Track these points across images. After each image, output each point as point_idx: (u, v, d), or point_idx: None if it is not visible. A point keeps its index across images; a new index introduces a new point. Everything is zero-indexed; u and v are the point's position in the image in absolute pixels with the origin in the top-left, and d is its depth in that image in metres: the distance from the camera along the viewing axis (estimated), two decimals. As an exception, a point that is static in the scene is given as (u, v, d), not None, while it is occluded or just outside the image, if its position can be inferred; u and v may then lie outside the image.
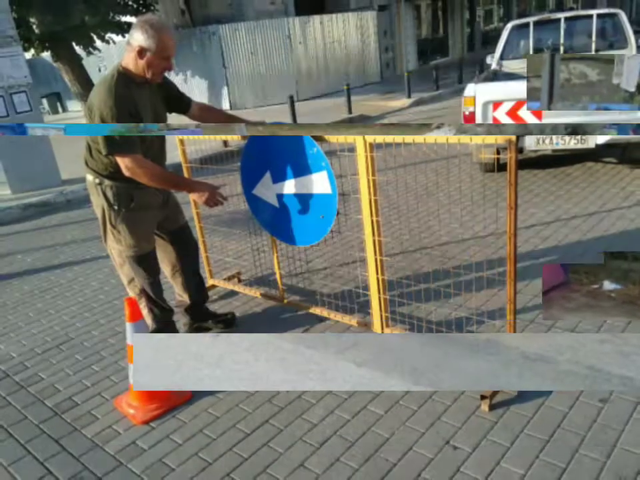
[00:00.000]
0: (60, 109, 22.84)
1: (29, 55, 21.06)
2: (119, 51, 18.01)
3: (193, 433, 2.62)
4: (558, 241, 4.31)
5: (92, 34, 14.40)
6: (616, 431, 2.31)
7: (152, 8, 14.48)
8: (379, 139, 2.74)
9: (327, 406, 2.70)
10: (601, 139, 5.37)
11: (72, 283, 4.67)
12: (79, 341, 3.63)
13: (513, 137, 2.24)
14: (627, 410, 2.43)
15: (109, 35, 14.73)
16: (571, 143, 5.48)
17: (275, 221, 3.37)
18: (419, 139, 2.51)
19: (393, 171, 6.66)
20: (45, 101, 23.42)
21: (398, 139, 2.59)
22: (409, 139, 2.55)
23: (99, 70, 20.11)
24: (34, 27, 13.08)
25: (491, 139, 2.38)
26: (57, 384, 3.16)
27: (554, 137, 5.48)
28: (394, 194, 5.83)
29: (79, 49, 14.65)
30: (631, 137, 5.30)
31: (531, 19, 7.43)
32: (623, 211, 4.77)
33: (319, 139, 2.95)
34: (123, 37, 15.25)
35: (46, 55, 15.82)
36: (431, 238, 4.63)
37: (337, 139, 2.93)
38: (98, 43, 14.85)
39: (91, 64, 18.32)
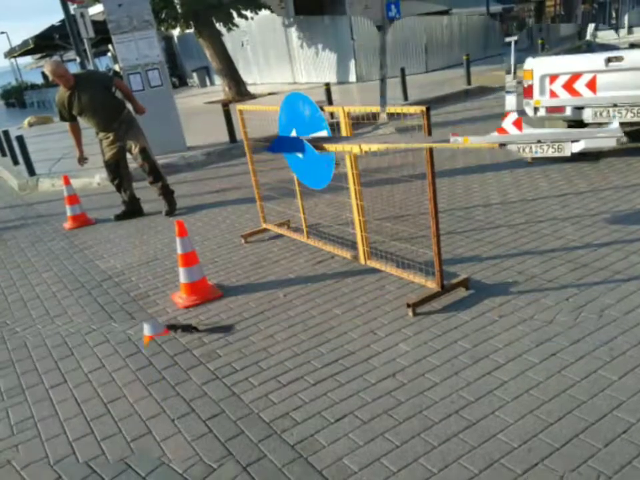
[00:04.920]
0: (208, 82, 25.00)
1: (176, 32, 23.51)
2: (259, 27, 19.77)
3: (214, 314, 3.93)
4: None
5: (231, 10, 16.02)
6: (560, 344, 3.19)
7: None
8: (357, 110, 3.77)
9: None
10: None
11: (170, 224, 6.22)
12: (161, 260, 5.13)
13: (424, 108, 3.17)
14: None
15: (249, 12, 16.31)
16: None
17: (299, 168, 4.51)
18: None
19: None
20: (195, 74, 25.48)
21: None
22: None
23: (242, 45, 21.97)
24: (177, 6, 14.98)
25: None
26: (140, 283, 4.64)
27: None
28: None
29: (219, 26, 16.37)
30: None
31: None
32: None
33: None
34: (256, 14, 16.77)
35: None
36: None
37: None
38: (237, 19, 16.49)
39: (235, 39, 20.21)
